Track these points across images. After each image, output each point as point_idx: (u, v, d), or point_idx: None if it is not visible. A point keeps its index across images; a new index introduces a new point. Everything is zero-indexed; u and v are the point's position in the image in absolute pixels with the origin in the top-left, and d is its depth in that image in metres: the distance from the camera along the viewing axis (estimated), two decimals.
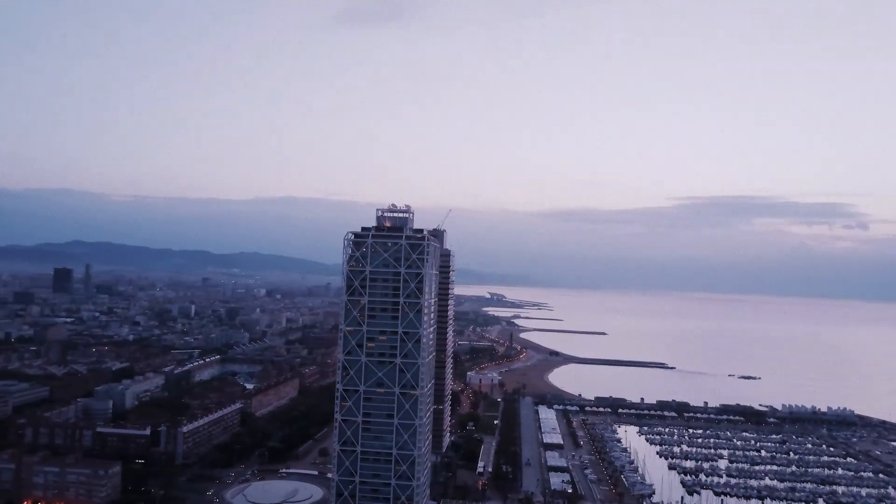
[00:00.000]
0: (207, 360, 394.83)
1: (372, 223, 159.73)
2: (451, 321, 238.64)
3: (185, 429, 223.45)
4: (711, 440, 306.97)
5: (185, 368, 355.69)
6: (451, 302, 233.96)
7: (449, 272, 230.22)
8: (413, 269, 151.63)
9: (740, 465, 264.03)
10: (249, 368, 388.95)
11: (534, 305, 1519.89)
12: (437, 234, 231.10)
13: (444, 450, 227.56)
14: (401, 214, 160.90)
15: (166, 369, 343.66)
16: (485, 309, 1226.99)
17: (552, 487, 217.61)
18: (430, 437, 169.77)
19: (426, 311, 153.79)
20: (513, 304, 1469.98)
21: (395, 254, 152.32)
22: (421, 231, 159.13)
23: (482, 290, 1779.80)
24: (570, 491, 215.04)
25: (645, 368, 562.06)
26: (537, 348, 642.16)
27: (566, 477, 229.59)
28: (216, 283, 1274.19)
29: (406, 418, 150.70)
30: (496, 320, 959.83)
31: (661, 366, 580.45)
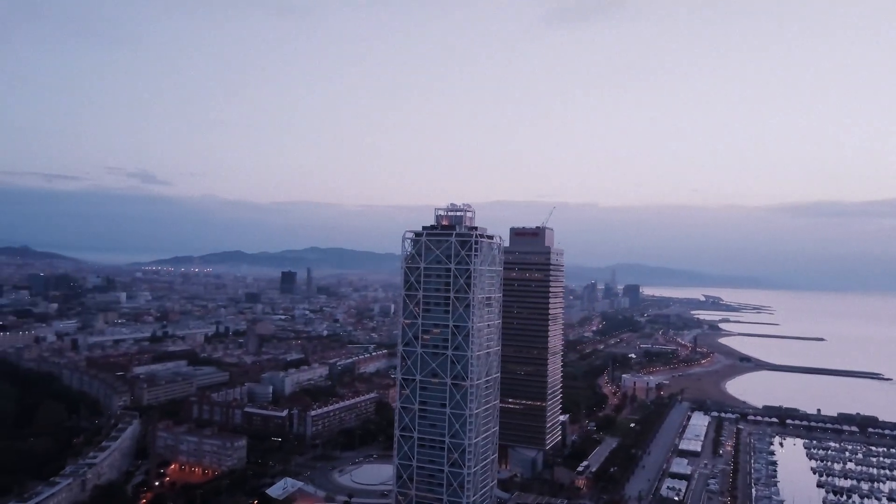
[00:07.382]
0: (375, 354, 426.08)
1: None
2: (555, 320, 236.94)
3: (313, 413, 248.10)
4: (889, 460, 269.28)
5: (349, 361, 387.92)
6: (552, 300, 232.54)
7: (548, 270, 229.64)
8: (462, 266, 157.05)
9: None
10: None
11: (753, 309, 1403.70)
12: (540, 232, 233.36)
13: (547, 446, 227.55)
14: (457, 213, 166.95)
15: (332, 361, 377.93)
16: (693, 312, 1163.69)
17: (660, 494, 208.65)
18: (495, 429, 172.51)
19: (477, 305, 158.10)
20: (727, 308, 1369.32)
21: (446, 251, 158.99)
22: (474, 229, 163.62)
23: (697, 293, 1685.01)
24: (676, 499, 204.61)
25: (852, 379, 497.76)
26: (729, 353, 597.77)
27: (682, 484, 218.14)
28: None
29: (457, 408, 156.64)
30: (698, 324, 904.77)
31: (875, 376, 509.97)
